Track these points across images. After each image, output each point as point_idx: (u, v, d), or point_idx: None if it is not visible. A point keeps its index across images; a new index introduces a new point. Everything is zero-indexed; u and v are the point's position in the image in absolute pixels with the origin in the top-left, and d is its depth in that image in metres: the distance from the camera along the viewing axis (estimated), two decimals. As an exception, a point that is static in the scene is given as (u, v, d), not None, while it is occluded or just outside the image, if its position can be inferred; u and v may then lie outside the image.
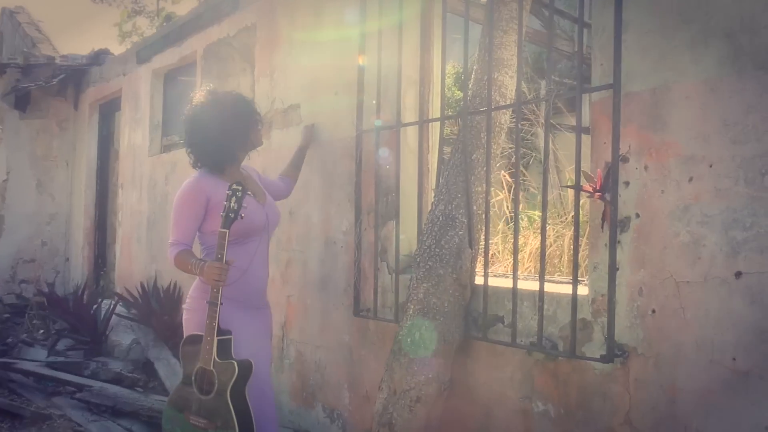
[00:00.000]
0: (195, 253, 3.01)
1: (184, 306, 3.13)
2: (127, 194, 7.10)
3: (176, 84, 6.48)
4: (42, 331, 6.67)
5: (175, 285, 5.82)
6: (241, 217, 2.80)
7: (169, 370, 5.29)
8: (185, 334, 3.04)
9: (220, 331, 2.84)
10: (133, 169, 6.96)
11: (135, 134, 6.97)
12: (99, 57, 8.35)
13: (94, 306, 6.44)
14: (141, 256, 6.66)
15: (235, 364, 2.81)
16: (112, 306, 6.28)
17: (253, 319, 3.10)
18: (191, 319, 3.05)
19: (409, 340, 2.97)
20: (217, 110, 3.08)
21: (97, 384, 5.06)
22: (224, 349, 2.86)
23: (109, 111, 8.25)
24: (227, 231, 2.79)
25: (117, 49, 8.67)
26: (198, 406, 2.87)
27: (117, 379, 5.23)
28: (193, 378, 2.89)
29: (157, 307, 5.83)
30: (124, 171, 7.27)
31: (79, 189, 8.51)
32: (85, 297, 6.76)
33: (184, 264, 2.95)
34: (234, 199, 2.77)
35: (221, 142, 3.06)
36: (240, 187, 2.79)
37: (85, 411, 4.68)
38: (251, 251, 3.08)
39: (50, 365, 5.57)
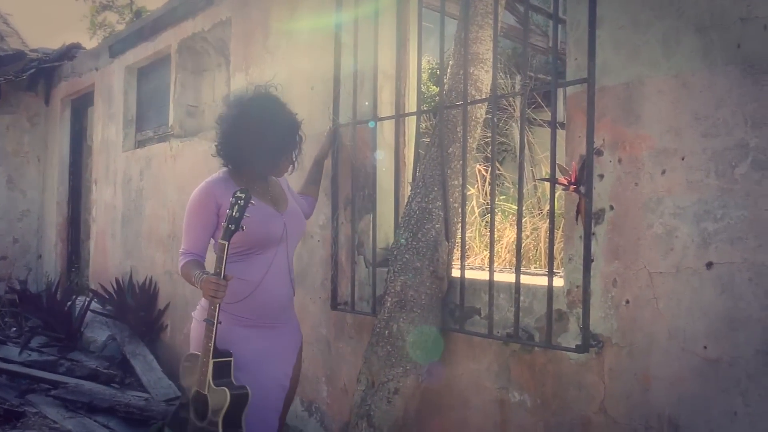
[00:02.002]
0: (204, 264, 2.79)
1: (192, 313, 2.91)
2: (101, 190, 7.04)
3: (150, 79, 6.44)
4: (14, 328, 6.60)
5: (150, 280, 5.80)
6: (242, 229, 2.53)
7: (146, 366, 5.27)
8: (191, 346, 2.86)
9: (219, 353, 2.61)
10: (107, 164, 6.91)
11: (108, 129, 6.91)
12: (70, 51, 8.27)
13: (69, 302, 6.39)
14: (116, 252, 6.61)
15: (227, 393, 2.57)
16: (86, 302, 6.23)
17: (263, 339, 2.82)
18: (197, 328, 2.82)
19: (386, 332, 2.99)
20: (267, 114, 2.81)
21: (72, 381, 5.02)
22: (222, 372, 2.63)
23: (81, 106, 8.17)
24: (227, 243, 2.53)
25: (88, 44, 8.58)
26: (193, 430, 2.69)
27: (93, 376, 5.20)
28: (189, 399, 2.71)
29: (133, 303, 5.81)
30: (97, 167, 7.20)
31: (52, 185, 8.42)
32: (58, 294, 6.71)
33: (187, 275, 2.73)
34: (236, 207, 2.51)
35: (252, 147, 2.77)
36: (243, 195, 2.52)
37: (61, 408, 4.65)
38: (265, 263, 2.79)
39: (24, 363, 5.51)
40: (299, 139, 2.91)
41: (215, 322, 2.55)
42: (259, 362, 2.77)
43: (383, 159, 3.55)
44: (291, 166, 2.95)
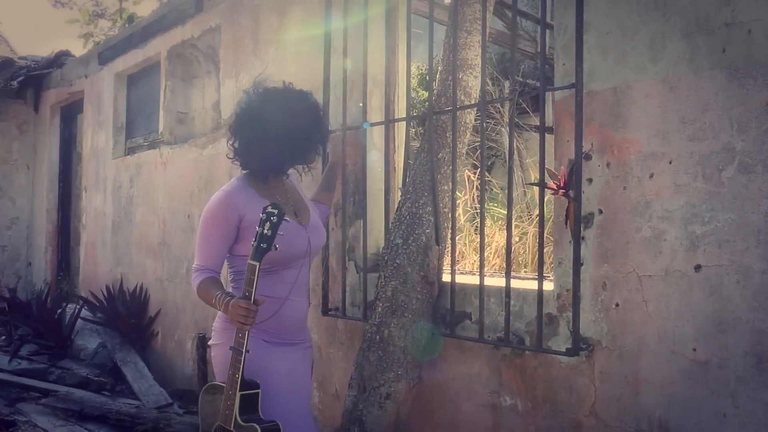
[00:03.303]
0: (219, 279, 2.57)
1: (210, 342, 2.67)
2: (91, 197, 7.02)
3: (139, 86, 6.43)
4: (4, 336, 6.56)
5: (141, 287, 5.79)
6: (276, 248, 2.29)
7: (137, 374, 5.26)
8: (216, 375, 2.62)
9: (246, 384, 2.36)
10: (97, 171, 6.89)
11: (98, 137, 6.89)
12: (59, 59, 8.24)
13: (59, 310, 6.35)
14: (106, 260, 6.59)
15: (258, 430, 2.33)
16: (77, 310, 6.20)
17: (288, 359, 2.60)
18: (219, 355, 2.56)
19: (378, 337, 2.99)
20: (284, 105, 2.59)
21: (63, 389, 5.01)
22: (250, 405, 2.38)
23: (71, 113, 8.15)
24: (258, 264, 2.29)
25: (78, 51, 8.56)
26: None
27: (83, 384, 5.18)
28: None
29: (124, 311, 5.79)
30: (87, 174, 7.18)
31: (41, 192, 8.38)
32: (48, 301, 6.68)
33: (206, 295, 2.47)
34: (268, 225, 2.27)
35: (273, 144, 2.56)
36: (276, 211, 2.27)
37: (51, 416, 4.62)
38: (290, 281, 2.56)
39: (14, 371, 5.49)
40: (322, 121, 2.73)
41: (243, 350, 2.30)
42: (288, 388, 2.56)
43: (373, 164, 3.55)
44: (316, 154, 2.77)
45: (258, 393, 2.40)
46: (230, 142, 2.66)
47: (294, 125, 2.58)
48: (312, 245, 2.64)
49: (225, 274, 2.67)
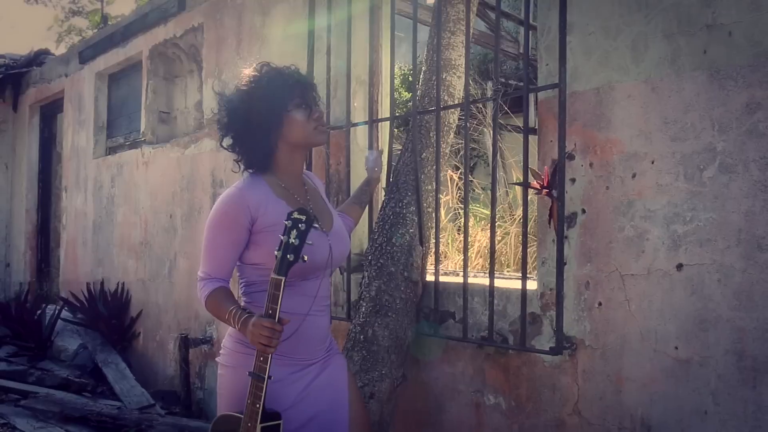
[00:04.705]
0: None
1: (218, 359, 2.33)
2: (72, 197, 6.96)
3: (121, 85, 6.39)
4: (-18, 338, 6.50)
5: (122, 288, 5.75)
6: (303, 260, 1.97)
7: (118, 374, 5.22)
8: (222, 399, 2.31)
9: (266, 415, 2.06)
10: (78, 171, 6.83)
11: (79, 136, 6.84)
12: (38, 57, 8.16)
13: (38, 311, 6.29)
14: (87, 260, 6.54)
15: None
16: (57, 311, 6.15)
17: (305, 383, 2.24)
18: (230, 380, 2.26)
19: (362, 337, 3.00)
20: (243, 89, 2.24)
21: (42, 390, 4.95)
22: None
23: (50, 113, 8.07)
24: (283, 279, 1.96)
25: (56, 50, 8.49)
26: None
27: (64, 385, 5.13)
28: None
29: (105, 311, 5.75)
30: (67, 174, 7.12)
31: (20, 192, 8.29)
32: (28, 302, 6.61)
33: (218, 310, 2.16)
34: (295, 232, 1.94)
35: (245, 131, 2.22)
36: (304, 217, 1.95)
37: (31, 418, 4.57)
38: (311, 293, 2.20)
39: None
40: (291, 80, 2.27)
41: (266, 377, 1.99)
42: (311, 417, 2.24)
43: (357, 164, 3.55)
44: (301, 126, 2.23)
45: (280, 424, 2.11)
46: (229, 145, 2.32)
47: (251, 104, 2.21)
48: (334, 254, 2.27)
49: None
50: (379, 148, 3.15)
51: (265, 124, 2.19)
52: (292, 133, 2.22)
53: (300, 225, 1.95)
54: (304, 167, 2.42)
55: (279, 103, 2.21)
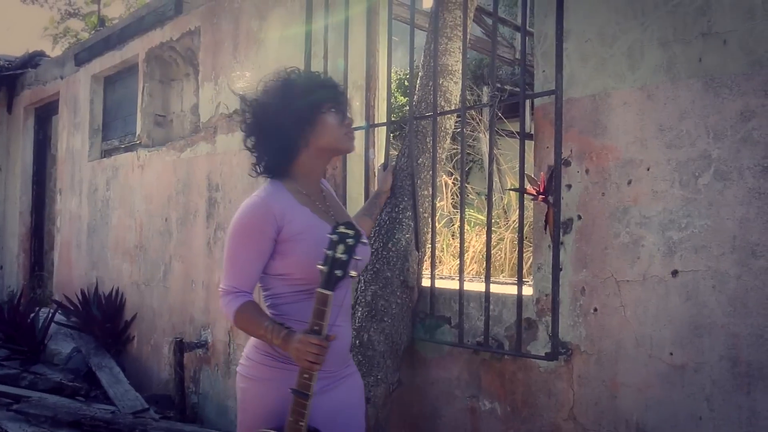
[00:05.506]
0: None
1: (238, 369, 2.24)
2: (66, 200, 6.95)
3: (116, 88, 6.39)
4: (-26, 341, 6.47)
5: (117, 291, 5.74)
6: (351, 276, 1.93)
7: (112, 378, 5.20)
8: (246, 414, 2.20)
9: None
10: (72, 174, 6.82)
11: (74, 139, 6.83)
12: (33, 59, 8.15)
13: (32, 314, 6.27)
14: (81, 263, 6.52)
15: None
16: (50, 314, 6.13)
17: (339, 398, 2.19)
18: (256, 394, 2.17)
19: (357, 342, 3.00)
20: (273, 89, 2.18)
21: (35, 394, 4.93)
22: None
23: (45, 115, 8.06)
24: (331, 294, 1.91)
25: (51, 52, 8.49)
26: None
27: (57, 389, 5.11)
28: None
29: (99, 315, 5.74)
30: (62, 176, 7.11)
31: (14, 195, 8.27)
32: (21, 305, 6.59)
33: (251, 325, 2.06)
34: (342, 247, 1.89)
35: (273, 131, 2.15)
36: (352, 232, 1.90)
37: (23, 423, 4.55)
38: (336, 303, 2.01)
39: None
40: (320, 85, 2.23)
41: (310, 394, 1.93)
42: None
43: (353, 169, 3.56)
44: (332, 130, 2.19)
45: None
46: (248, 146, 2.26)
47: (277, 108, 2.16)
48: (358, 262, 2.14)
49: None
50: (389, 163, 3.16)
51: (297, 123, 2.14)
52: (324, 135, 2.17)
53: (348, 240, 1.90)
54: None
55: (315, 103, 2.16)
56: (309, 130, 2.15)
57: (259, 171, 2.21)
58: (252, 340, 2.17)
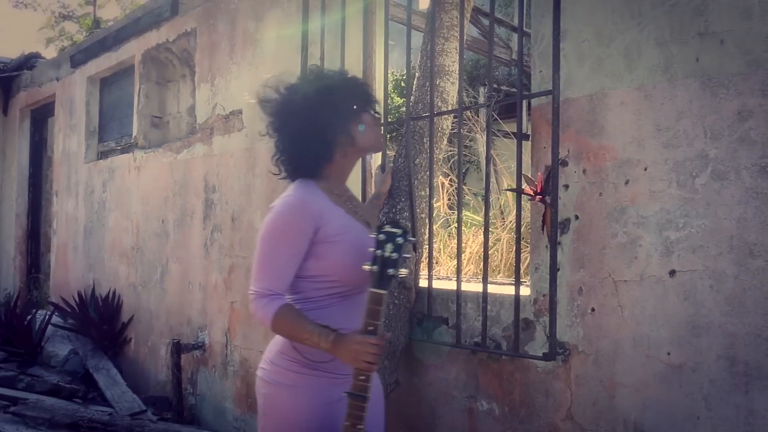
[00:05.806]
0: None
1: (260, 375, 2.16)
2: (63, 202, 6.93)
3: (113, 89, 6.38)
4: (-28, 344, 6.45)
5: (113, 293, 5.73)
6: (401, 274, 1.90)
7: (110, 380, 5.20)
8: (269, 419, 2.12)
9: None
10: (69, 176, 6.81)
11: (70, 141, 6.82)
12: (29, 61, 8.14)
13: (28, 316, 6.25)
14: (78, 265, 6.51)
15: None
16: (47, 316, 6.11)
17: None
18: (285, 401, 2.08)
19: (355, 343, 2.99)
20: (308, 89, 2.13)
21: (32, 396, 4.92)
22: None
23: (41, 116, 8.04)
24: (385, 293, 1.88)
25: (46, 54, 8.46)
26: None
27: (54, 391, 5.10)
28: None
29: (96, 317, 5.73)
30: (58, 178, 7.10)
31: (10, 197, 8.25)
32: (18, 307, 6.57)
33: (292, 327, 1.98)
34: (391, 246, 1.87)
35: (311, 132, 2.09)
36: (400, 231, 1.88)
37: (21, 425, 4.54)
38: (362, 304, 1.94)
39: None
40: (358, 90, 2.21)
41: (367, 396, 1.90)
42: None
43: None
44: (370, 134, 2.20)
45: None
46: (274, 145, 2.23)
47: (313, 110, 2.11)
48: None
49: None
50: (386, 165, 3.15)
51: (342, 122, 2.11)
52: (364, 135, 2.16)
53: (397, 239, 1.88)
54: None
55: (360, 103, 2.16)
56: (350, 128, 2.13)
57: (286, 172, 2.17)
58: (277, 344, 2.13)
